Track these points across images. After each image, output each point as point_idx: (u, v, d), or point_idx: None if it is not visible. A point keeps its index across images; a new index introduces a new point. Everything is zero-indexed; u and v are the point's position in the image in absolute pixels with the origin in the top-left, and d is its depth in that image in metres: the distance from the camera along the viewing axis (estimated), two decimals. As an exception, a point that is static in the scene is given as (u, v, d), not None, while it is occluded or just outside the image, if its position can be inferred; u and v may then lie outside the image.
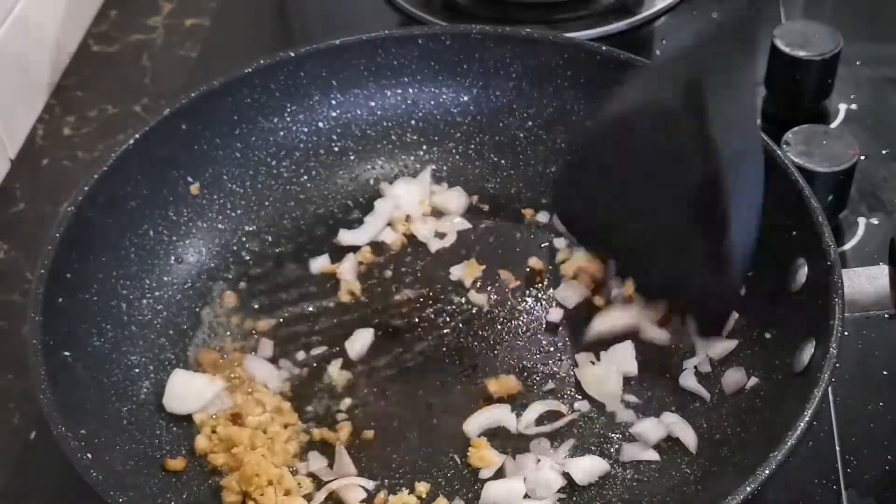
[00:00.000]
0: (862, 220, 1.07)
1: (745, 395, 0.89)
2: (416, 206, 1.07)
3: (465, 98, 1.10)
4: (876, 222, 1.07)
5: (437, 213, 1.07)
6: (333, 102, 1.09)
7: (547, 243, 1.04)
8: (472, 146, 1.10)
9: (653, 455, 0.88)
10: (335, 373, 0.94)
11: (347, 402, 0.93)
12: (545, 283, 1.01)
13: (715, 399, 0.90)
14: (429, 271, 1.03)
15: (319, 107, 1.08)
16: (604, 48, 1.04)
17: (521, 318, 0.98)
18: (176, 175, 1.02)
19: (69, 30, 1.32)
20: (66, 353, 0.86)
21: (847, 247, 1.05)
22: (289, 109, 1.07)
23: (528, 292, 1.00)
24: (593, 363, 0.94)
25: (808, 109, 1.17)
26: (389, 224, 1.06)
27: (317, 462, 0.89)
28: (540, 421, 0.91)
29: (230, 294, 1.00)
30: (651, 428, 0.89)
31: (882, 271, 0.86)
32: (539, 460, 0.88)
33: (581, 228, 1.00)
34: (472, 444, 0.89)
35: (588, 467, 0.87)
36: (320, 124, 1.09)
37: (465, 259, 1.03)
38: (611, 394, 0.92)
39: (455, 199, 1.07)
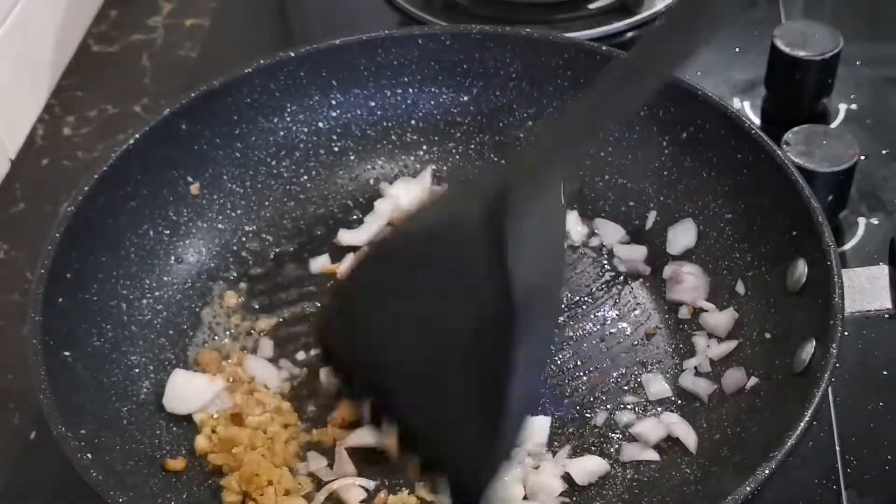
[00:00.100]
0: (862, 220, 1.07)
1: (745, 395, 0.89)
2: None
3: (465, 98, 1.09)
4: (876, 222, 1.07)
5: (437, 213, 1.07)
6: (333, 102, 1.09)
7: (547, 243, 1.04)
8: (472, 146, 1.10)
9: (653, 455, 0.88)
10: (325, 379, 0.94)
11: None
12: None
13: (715, 399, 0.90)
14: (429, 271, 1.02)
15: (319, 107, 1.08)
16: (604, 48, 1.04)
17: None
18: (176, 175, 1.02)
19: (69, 30, 1.32)
20: (66, 353, 0.86)
21: (847, 247, 1.05)
22: (289, 109, 1.07)
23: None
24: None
25: (808, 109, 1.17)
26: (389, 224, 1.06)
27: (317, 462, 0.89)
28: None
29: (230, 294, 1.00)
30: (651, 428, 0.89)
31: (882, 271, 0.86)
32: (538, 466, 0.88)
33: (345, 365, 0.81)
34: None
35: (588, 467, 0.87)
36: (320, 124, 1.09)
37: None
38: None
39: (455, 199, 1.07)
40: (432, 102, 1.10)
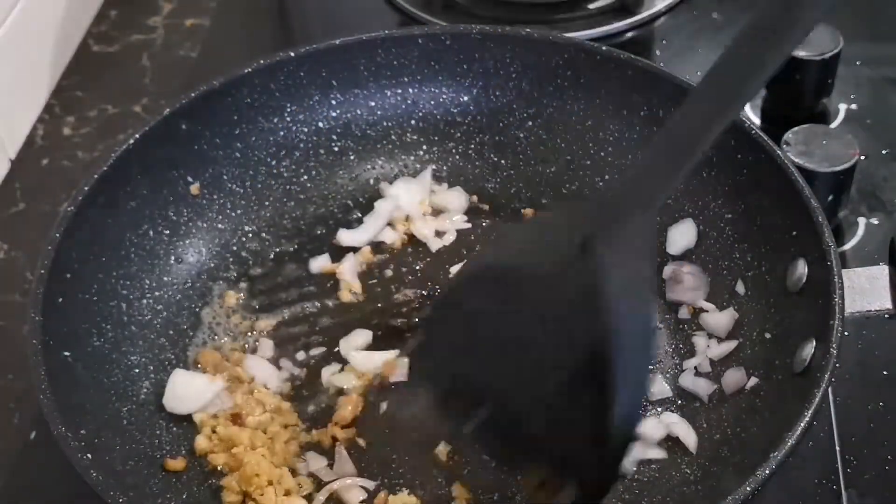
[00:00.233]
0: (862, 220, 1.07)
1: (745, 395, 0.89)
2: (416, 205, 1.07)
3: (465, 98, 1.10)
4: (876, 222, 1.07)
5: (437, 212, 1.07)
6: (333, 102, 1.09)
7: (547, 243, 1.04)
8: (472, 146, 1.10)
9: (656, 453, 0.88)
10: (327, 379, 0.94)
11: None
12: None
13: (715, 399, 0.90)
14: (429, 271, 1.03)
15: (319, 107, 1.08)
16: (604, 48, 1.04)
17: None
18: (176, 175, 1.02)
19: (69, 30, 1.32)
20: (66, 353, 0.86)
21: (847, 247, 1.05)
22: (289, 109, 1.07)
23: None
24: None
25: (808, 109, 1.17)
26: (389, 224, 1.06)
27: (317, 462, 0.89)
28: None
29: (230, 294, 1.00)
30: (651, 428, 0.89)
31: (882, 271, 0.86)
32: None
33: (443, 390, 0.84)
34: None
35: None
36: (320, 124, 1.09)
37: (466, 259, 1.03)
38: None
39: (455, 198, 1.07)
40: (432, 102, 1.10)
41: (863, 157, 1.08)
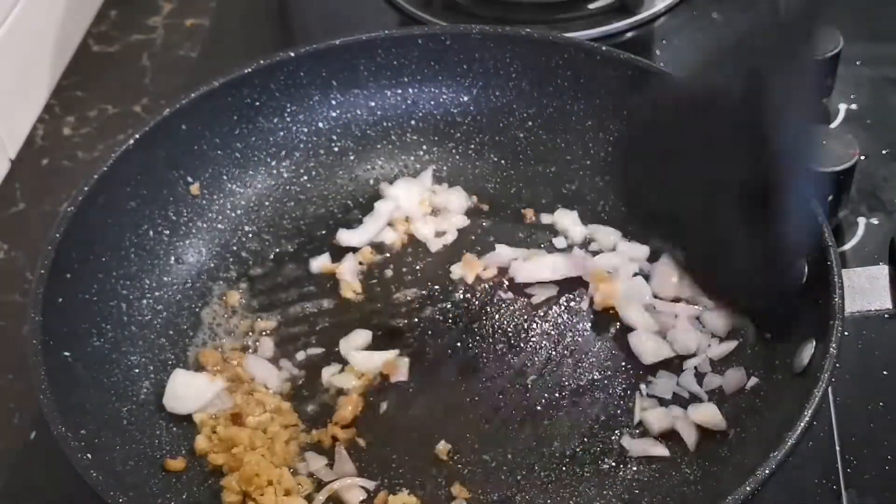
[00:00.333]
0: (862, 220, 1.07)
1: (745, 395, 0.89)
2: (416, 206, 1.07)
3: (465, 98, 1.10)
4: (876, 222, 1.07)
5: (438, 212, 1.07)
6: (333, 102, 1.09)
7: (547, 243, 1.04)
8: (472, 146, 1.10)
9: (658, 451, 0.88)
10: (327, 379, 0.94)
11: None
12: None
13: (715, 399, 0.90)
14: (429, 271, 1.03)
15: (319, 107, 1.08)
16: (604, 48, 1.04)
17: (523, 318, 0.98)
18: (176, 175, 1.02)
19: (69, 30, 1.32)
20: (66, 353, 0.86)
21: (847, 247, 1.05)
22: (289, 109, 1.07)
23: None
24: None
25: (808, 109, 1.17)
26: (389, 224, 1.06)
27: (317, 462, 0.89)
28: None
29: (230, 294, 1.00)
30: (658, 417, 0.89)
31: (882, 271, 0.86)
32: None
33: (635, 211, 0.96)
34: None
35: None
36: (320, 124, 1.09)
37: (466, 259, 1.03)
38: None
39: (455, 198, 1.07)
40: (432, 102, 1.10)
41: (863, 157, 1.08)
